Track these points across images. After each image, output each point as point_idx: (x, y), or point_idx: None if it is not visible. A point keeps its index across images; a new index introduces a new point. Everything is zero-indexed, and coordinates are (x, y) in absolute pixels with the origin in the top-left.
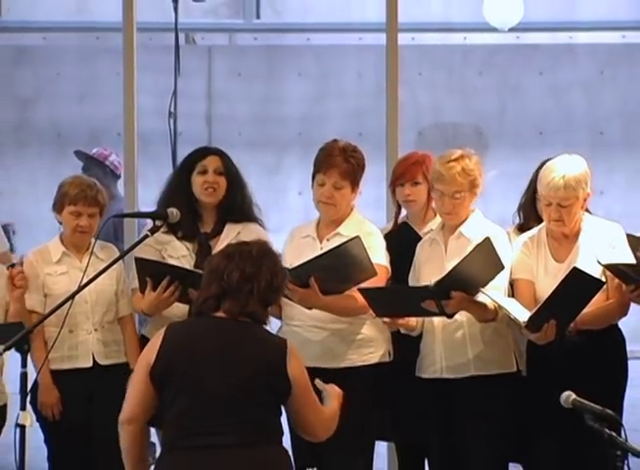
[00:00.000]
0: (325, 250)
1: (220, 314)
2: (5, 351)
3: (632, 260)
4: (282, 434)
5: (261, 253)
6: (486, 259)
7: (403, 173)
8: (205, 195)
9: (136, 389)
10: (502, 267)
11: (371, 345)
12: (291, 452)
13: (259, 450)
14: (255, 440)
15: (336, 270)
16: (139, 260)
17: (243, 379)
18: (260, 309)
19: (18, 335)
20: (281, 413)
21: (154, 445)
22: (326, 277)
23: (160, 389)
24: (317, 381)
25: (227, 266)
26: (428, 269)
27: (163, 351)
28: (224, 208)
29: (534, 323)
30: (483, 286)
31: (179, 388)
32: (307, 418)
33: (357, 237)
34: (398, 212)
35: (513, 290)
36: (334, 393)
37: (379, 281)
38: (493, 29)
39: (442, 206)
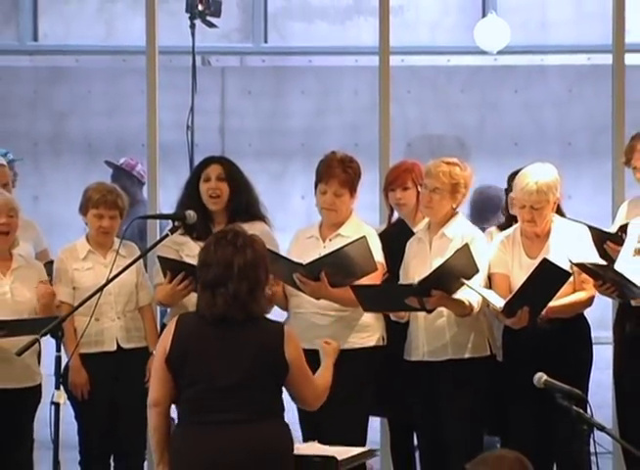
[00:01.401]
0: (331, 249)
1: (235, 312)
2: (42, 337)
3: (597, 256)
4: (283, 410)
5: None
6: (464, 263)
7: (394, 180)
8: (211, 203)
9: (157, 375)
10: (477, 271)
11: (368, 330)
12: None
13: (262, 425)
14: (258, 416)
15: (342, 266)
16: (161, 258)
17: (245, 364)
18: (263, 302)
19: (52, 323)
20: (281, 391)
21: (173, 419)
22: (334, 272)
23: (175, 374)
24: (316, 341)
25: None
26: (415, 265)
27: (176, 340)
28: (232, 210)
29: (509, 309)
30: (460, 287)
31: (192, 373)
32: (303, 393)
33: (363, 237)
34: (391, 214)
35: (490, 282)
36: (328, 350)
37: (376, 276)
38: (474, 52)
39: (423, 198)
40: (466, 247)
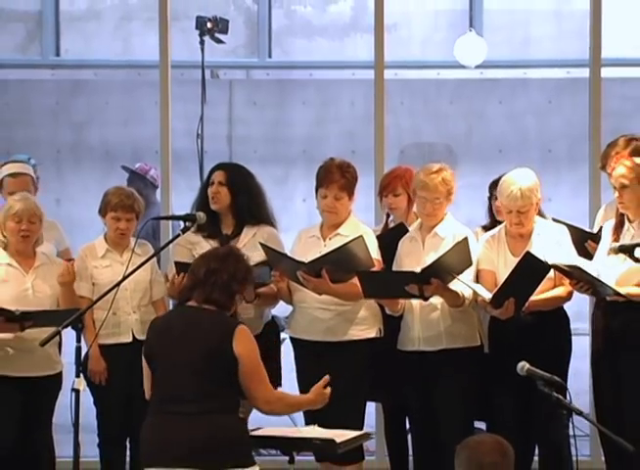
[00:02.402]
0: (331, 247)
1: (192, 303)
2: (63, 328)
3: (576, 255)
4: (237, 406)
5: (226, 253)
6: (462, 255)
7: (386, 186)
8: (212, 203)
9: (144, 371)
10: (471, 263)
11: (366, 323)
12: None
13: (215, 418)
14: (211, 409)
15: (342, 263)
16: (177, 263)
17: (198, 358)
18: (224, 298)
19: (73, 316)
20: (236, 386)
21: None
22: (334, 269)
23: (150, 367)
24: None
25: (198, 264)
26: (408, 262)
27: (148, 337)
28: (235, 212)
29: (497, 300)
30: (456, 274)
31: (157, 365)
32: (251, 392)
33: (360, 237)
34: (388, 217)
35: (478, 278)
36: (317, 395)
37: None
38: (461, 66)
39: (424, 209)
40: (465, 240)
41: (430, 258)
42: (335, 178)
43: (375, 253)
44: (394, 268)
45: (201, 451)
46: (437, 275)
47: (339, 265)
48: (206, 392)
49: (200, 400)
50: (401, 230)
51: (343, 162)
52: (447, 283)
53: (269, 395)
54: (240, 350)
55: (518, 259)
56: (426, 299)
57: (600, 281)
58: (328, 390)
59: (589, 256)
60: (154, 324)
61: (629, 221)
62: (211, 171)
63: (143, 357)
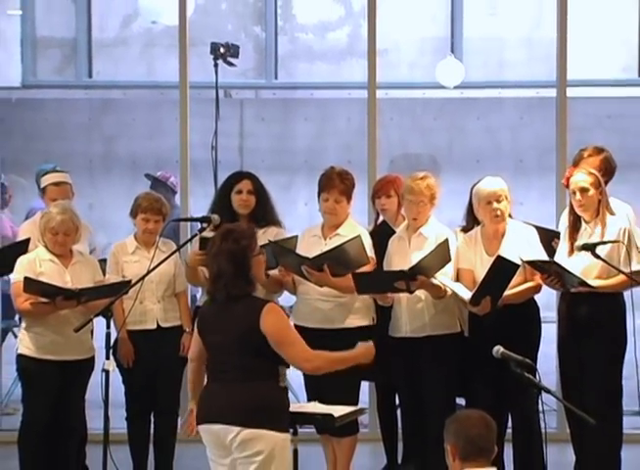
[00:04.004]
0: (331, 246)
1: (220, 296)
2: (95, 317)
3: (543, 253)
4: (275, 374)
5: (224, 238)
6: (443, 254)
7: (380, 189)
8: (241, 208)
9: (194, 341)
10: (450, 259)
11: (361, 312)
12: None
13: (253, 385)
14: (248, 377)
15: (342, 260)
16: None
17: (234, 338)
18: (240, 287)
19: (103, 307)
20: (269, 357)
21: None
22: (334, 265)
23: (201, 338)
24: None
25: (210, 263)
26: (397, 259)
27: (198, 321)
28: (253, 215)
29: (475, 300)
30: (438, 270)
31: (205, 344)
32: (288, 355)
33: (358, 236)
34: (377, 217)
35: (458, 276)
36: (361, 349)
37: (368, 268)
38: (443, 87)
39: (410, 211)
40: (446, 241)
41: (415, 256)
42: (335, 184)
43: (370, 251)
44: (385, 265)
45: (240, 412)
46: (422, 272)
47: (339, 261)
48: (245, 364)
49: (240, 371)
50: (385, 228)
51: (343, 170)
52: (431, 278)
53: (306, 354)
54: (266, 326)
55: (491, 258)
56: (411, 292)
57: (570, 273)
58: (372, 347)
59: (555, 252)
60: (203, 307)
61: (586, 222)
62: (236, 180)
63: (195, 329)
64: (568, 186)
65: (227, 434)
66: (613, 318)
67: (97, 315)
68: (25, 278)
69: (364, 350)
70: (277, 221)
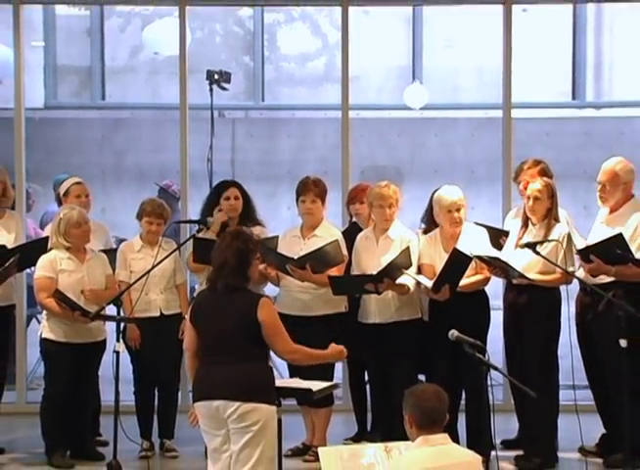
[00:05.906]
0: (309, 245)
1: (221, 287)
2: (107, 305)
3: (492, 249)
4: (265, 357)
5: (232, 239)
6: (405, 259)
7: (355, 196)
8: (230, 212)
9: (188, 328)
10: (412, 264)
11: (335, 301)
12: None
13: (249, 365)
14: (245, 359)
15: (322, 259)
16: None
17: (231, 325)
18: (239, 281)
19: (114, 297)
20: (263, 343)
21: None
22: (316, 263)
23: (194, 327)
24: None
25: (216, 254)
26: (365, 258)
27: (194, 309)
28: (241, 218)
29: (436, 287)
30: (401, 275)
31: (201, 331)
32: (274, 346)
33: (336, 240)
34: (351, 220)
35: (421, 270)
36: (333, 350)
37: (343, 265)
38: (407, 108)
39: (382, 215)
40: (408, 248)
41: (383, 257)
42: (310, 188)
43: (344, 249)
44: (354, 261)
45: (240, 389)
46: (388, 275)
47: (319, 260)
48: (241, 348)
49: (237, 354)
50: (355, 228)
51: (316, 177)
52: (397, 278)
53: (289, 347)
54: (262, 317)
55: (449, 255)
56: (379, 293)
57: (511, 267)
58: (344, 350)
59: (502, 248)
60: (197, 301)
61: (532, 224)
62: (224, 187)
63: (188, 318)
64: (526, 189)
65: (227, 408)
66: (549, 306)
67: (109, 304)
68: (57, 291)
69: (336, 352)
70: (260, 222)
